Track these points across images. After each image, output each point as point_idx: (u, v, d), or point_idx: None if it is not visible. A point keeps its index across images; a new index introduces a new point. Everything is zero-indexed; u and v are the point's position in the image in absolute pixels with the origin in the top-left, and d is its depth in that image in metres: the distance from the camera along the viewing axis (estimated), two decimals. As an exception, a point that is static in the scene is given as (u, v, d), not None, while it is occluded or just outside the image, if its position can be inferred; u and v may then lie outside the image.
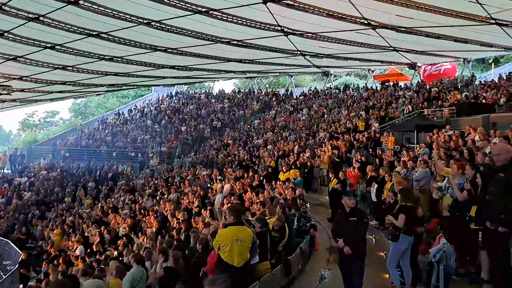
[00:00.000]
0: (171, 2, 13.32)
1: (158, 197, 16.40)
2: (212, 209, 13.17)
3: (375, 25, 17.27)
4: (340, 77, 40.42)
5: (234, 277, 4.86)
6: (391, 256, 6.16)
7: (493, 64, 33.56)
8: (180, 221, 12.08)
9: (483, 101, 17.06)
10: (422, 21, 16.42)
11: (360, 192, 11.52)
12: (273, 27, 16.56)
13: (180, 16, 14.63)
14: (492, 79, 23.17)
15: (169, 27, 15.79)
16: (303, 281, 7.34)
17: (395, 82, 28.35)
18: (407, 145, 14.00)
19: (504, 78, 21.29)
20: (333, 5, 14.88)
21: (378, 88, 28.21)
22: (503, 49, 21.93)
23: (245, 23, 15.70)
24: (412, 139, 15.50)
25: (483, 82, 22.40)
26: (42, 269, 13.02)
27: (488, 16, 15.65)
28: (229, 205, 11.02)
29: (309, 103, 28.07)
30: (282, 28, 16.75)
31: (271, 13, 14.92)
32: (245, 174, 15.73)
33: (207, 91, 39.64)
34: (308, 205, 10.90)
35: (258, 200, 10.69)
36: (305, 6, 14.67)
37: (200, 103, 34.56)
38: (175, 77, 26.58)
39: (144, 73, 23.15)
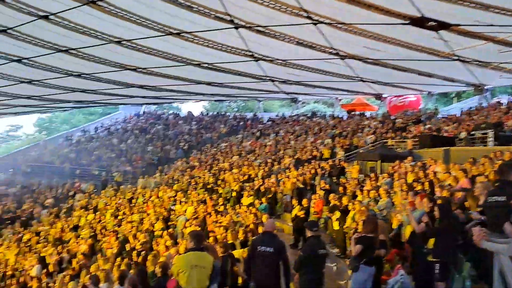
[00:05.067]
0: (143, 23, 13.37)
1: (120, 217, 15.94)
2: (174, 231, 12.92)
3: (343, 56, 17.88)
4: (308, 104, 41.27)
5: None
6: (353, 287, 6.21)
7: (455, 98, 35.25)
8: (141, 243, 11.77)
9: (445, 134, 17.74)
10: (388, 53, 17.18)
11: (324, 220, 11.64)
12: (244, 52, 16.81)
13: (152, 37, 14.67)
14: (455, 114, 24.26)
15: (140, 47, 15.77)
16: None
17: (361, 112, 29.25)
18: (370, 175, 14.32)
19: (465, 113, 22.30)
20: (303, 34, 15.30)
21: (345, 117, 28.99)
22: (464, 85, 23.18)
23: (216, 47, 15.90)
24: (376, 168, 15.84)
25: (445, 116, 23.43)
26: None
27: (451, 52, 16.58)
28: (191, 228, 10.87)
29: (276, 129, 28.41)
30: (253, 53, 17.04)
31: (242, 39, 15.18)
32: (209, 197, 15.59)
33: (175, 112, 39.48)
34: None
35: (221, 225, 10.61)
36: (276, 34, 15.03)
37: (168, 124, 34.28)
38: (143, 97, 26.36)
39: (113, 91, 22.85)
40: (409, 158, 14.23)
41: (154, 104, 38.00)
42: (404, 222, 7.90)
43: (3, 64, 16.82)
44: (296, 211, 11.34)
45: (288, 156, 20.18)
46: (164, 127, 33.55)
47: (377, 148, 18.10)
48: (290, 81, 22.10)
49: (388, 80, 22.70)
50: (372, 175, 13.57)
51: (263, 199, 13.71)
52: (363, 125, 24.13)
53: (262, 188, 15.01)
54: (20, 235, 17.66)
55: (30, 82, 19.48)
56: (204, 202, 14.94)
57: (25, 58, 16.42)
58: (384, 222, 8.59)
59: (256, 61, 17.84)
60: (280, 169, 17.98)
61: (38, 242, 15.90)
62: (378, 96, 28.28)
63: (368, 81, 23.11)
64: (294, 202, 12.30)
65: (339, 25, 14.90)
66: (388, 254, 7.25)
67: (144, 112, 38.48)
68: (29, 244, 16.17)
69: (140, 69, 18.59)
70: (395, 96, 28.60)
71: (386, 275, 6.66)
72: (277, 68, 19.22)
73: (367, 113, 29.32)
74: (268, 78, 21.00)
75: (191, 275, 4.86)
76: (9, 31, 13.62)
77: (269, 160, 20.09)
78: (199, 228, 10.80)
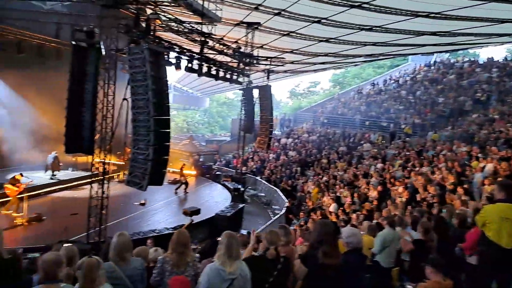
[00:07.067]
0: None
1: (408, 169, 16.06)
2: (469, 187, 11.97)
3: None
4: None
5: (500, 258, 4.44)
6: None
7: None
8: (432, 195, 11.57)
9: None
10: None
11: None
12: None
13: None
14: None
15: (434, -12, 14.60)
16: None
17: None
18: None
19: None
20: None
21: None
22: None
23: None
24: None
25: None
26: (300, 217, 15.18)
27: None
28: (489, 187, 9.80)
29: None
30: None
31: None
32: (514, 154, 13.44)
33: (472, 59, 35.07)
34: None
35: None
36: None
37: (463, 73, 30.97)
38: (435, 45, 24.58)
39: (402, 41, 22.40)
40: None
41: (447, 51, 34.90)
42: None
43: (305, 26, 19.14)
44: None
45: None
46: (458, 76, 30.54)
47: None
48: None
49: None
50: None
51: None
52: None
53: None
54: (319, 176, 20.62)
55: (327, 40, 21.49)
56: (507, 159, 13.04)
57: (323, 18, 18.13)
58: None
59: None
60: None
61: (334, 184, 18.15)
62: None
63: None
64: None
65: None
66: None
67: (435, 62, 36.13)
68: (327, 184, 18.68)
69: (433, 14, 17.35)
70: None
71: None
72: None
73: None
74: None
75: (500, 227, 4.45)
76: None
77: None
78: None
